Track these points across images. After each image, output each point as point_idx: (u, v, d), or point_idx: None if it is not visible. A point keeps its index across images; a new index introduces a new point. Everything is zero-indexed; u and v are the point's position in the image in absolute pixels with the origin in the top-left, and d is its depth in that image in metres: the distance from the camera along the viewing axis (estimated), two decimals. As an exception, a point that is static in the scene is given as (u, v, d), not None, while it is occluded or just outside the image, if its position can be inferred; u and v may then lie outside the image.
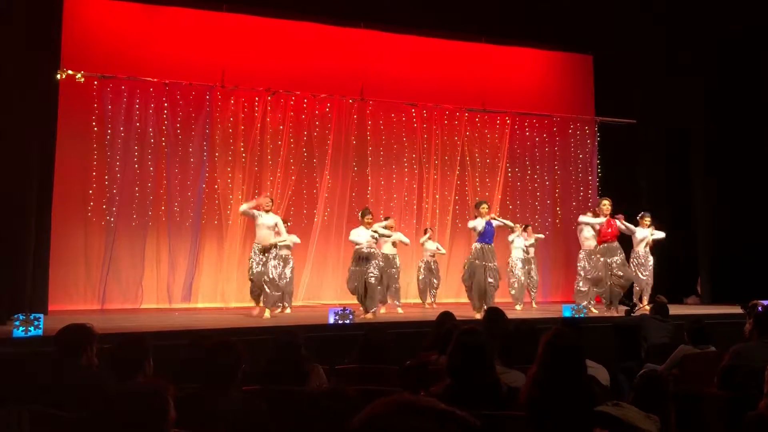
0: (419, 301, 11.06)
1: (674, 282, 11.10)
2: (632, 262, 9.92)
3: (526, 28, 11.82)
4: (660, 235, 10.10)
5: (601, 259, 9.36)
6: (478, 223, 8.90)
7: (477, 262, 8.84)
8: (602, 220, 9.43)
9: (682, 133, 12.00)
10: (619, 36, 11.88)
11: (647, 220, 10.10)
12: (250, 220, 9.19)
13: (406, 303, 10.90)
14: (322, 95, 11.21)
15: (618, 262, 9.30)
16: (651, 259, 10.10)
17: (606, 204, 9.46)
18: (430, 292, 11.04)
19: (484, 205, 9.10)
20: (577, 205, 12.61)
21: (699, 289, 11.71)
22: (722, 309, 9.02)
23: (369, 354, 4.64)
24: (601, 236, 9.44)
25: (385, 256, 9.77)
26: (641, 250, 10.04)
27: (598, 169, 12.85)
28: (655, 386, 3.40)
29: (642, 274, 9.95)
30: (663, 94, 11.82)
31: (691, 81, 11.57)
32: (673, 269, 11.38)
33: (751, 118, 11.07)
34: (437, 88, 11.91)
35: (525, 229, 11.27)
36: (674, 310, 7.64)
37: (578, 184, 12.73)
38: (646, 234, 10.01)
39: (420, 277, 11.00)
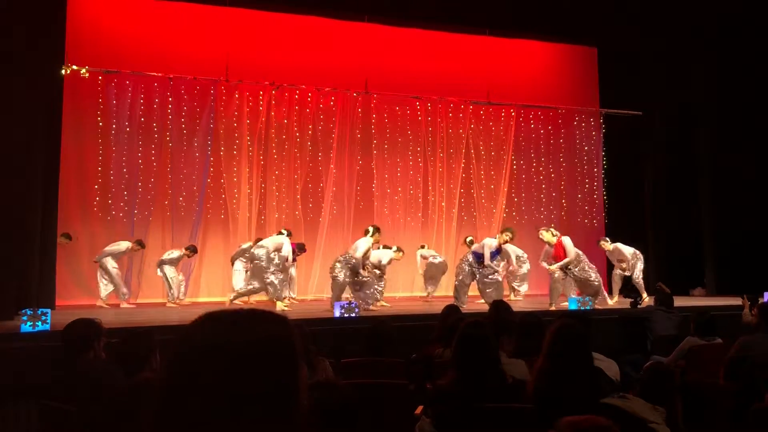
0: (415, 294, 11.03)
1: (680, 273, 11.08)
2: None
3: (530, 20, 11.75)
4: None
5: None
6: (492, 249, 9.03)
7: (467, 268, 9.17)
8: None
9: (688, 123, 11.95)
10: (623, 27, 11.79)
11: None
12: (257, 218, 9.20)
13: (413, 297, 10.94)
14: (327, 89, 11.19)
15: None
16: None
17: (509, 234, 9.27)
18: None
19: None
20: (582, 197, 12.58)
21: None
22: (728, 300, 8.99)
23: (375, 347, 4.65)
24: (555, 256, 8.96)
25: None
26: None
27: (603, 160, 12.81)
28: (661, 378, 3.39)
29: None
30: (667, 85, 11.76)
31: (696, 71, 11.51)
32: (679, 261, 11.35)
33: (758, 108, 11.00)
34: (442, 81, 11.85)
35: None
36: (680, 301, 7.62)
37: (584, 176, 12.68)
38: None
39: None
